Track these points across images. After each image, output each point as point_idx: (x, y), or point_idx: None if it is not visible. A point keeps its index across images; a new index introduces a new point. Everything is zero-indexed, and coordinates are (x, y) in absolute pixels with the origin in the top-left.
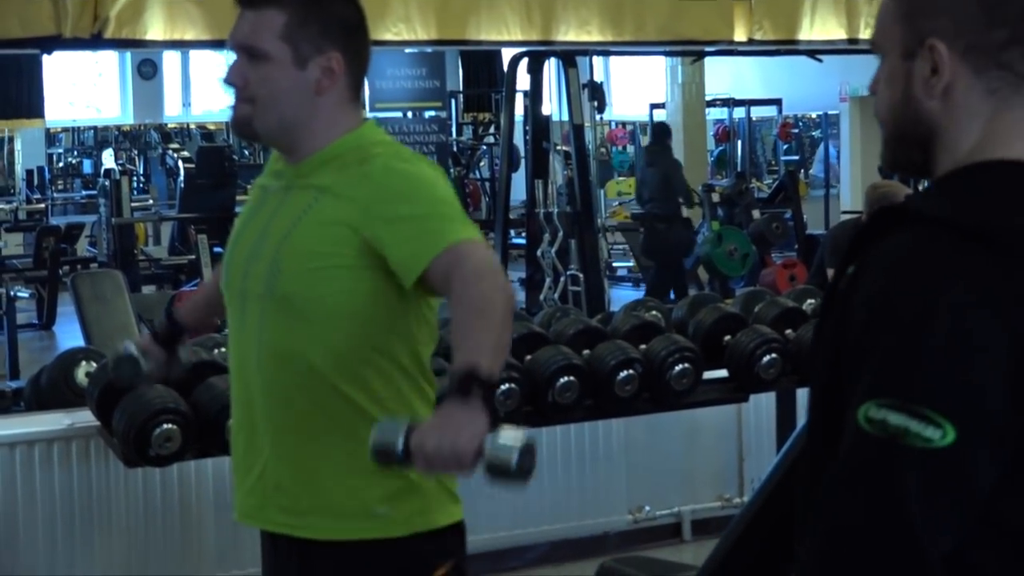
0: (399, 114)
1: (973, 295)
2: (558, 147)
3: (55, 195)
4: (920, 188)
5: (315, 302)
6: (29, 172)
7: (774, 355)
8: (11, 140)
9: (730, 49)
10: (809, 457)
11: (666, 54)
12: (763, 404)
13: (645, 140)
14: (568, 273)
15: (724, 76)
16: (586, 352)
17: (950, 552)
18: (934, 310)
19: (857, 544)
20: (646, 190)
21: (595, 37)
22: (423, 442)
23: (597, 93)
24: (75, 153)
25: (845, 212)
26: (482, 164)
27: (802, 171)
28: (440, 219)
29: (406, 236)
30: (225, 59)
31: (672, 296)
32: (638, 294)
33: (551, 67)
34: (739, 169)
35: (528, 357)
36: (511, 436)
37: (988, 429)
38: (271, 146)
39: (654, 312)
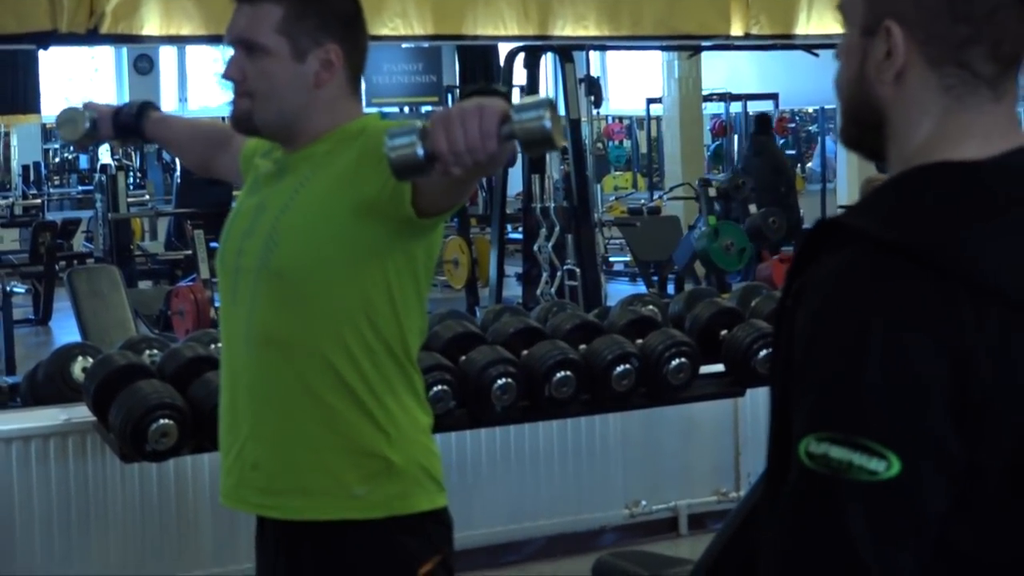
0: (395, 109)
1: (910, 320)
2: None
3: (51, 190)
4: None
5: (309, 274)
6: (25, 167)
7: (771, 349)
8: (7, 135)
9: (727, 44)
10: (767, 473)
11: (663, 48)
12: (760, 399)
13: (641, 134)
14: (565, 268)
15: (721, 71)
16: (583, 347)
17: None
18: (870, 337)
19: None
20: (750, 179)
21: (592, 32)
22: (447, 112)
23: (594, 88)
24: (71, 148)
25: (842, 207)
26: None
27: (799, 166)
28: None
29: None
30: (222, 54)
31: None
32: (635, 289)
33: (548, 62)
34: (735, 163)
35: (525, 352)
36: (533, 99)
37: (934, 456)
38: (271, 139)
39: (651, 307)
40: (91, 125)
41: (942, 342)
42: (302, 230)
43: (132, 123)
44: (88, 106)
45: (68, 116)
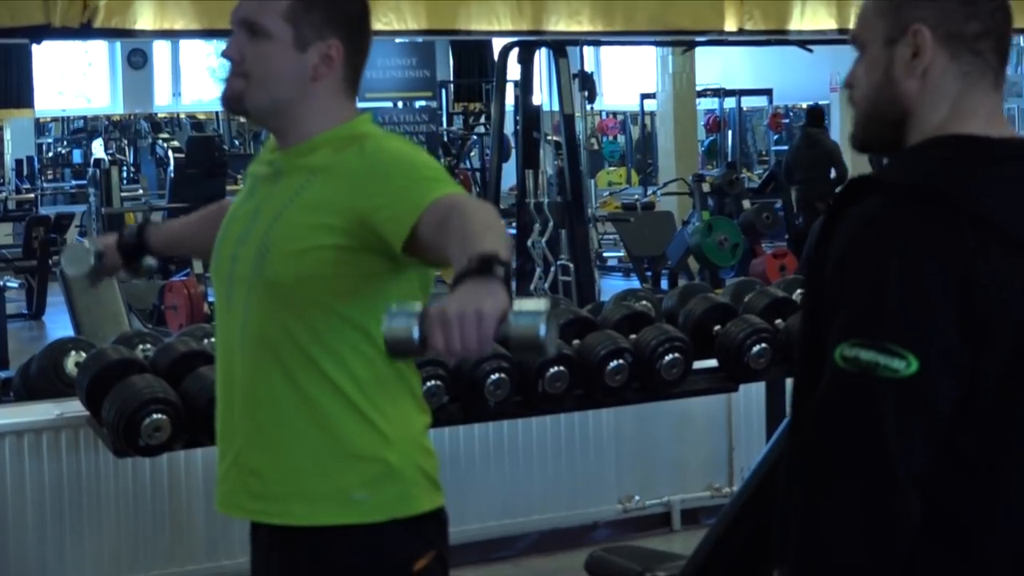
0: (389, 104)
1: (924, 248)
2: (548, 137)
3: (44, 185)
4: None
5: (302, 283)
6: (19, 162)
7: (764, 345)
8: (0, 130)
9: (721, 39)
10: (796, 413)
11: (657, 44)
12: (753, 394)
13: (635, 129)
14: (558, 263)
15: (715, 66)
16: (576, 342)
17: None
18: (892, 261)
19: (838, 463)
20: (799, 171)
21: (586, 27)
22: (444, 310)
23: (588, 83)
24: (65, 143)
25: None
26: (472, 154)
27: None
28: (425, 181)
29: (395, 196)
30: (215, 49)
31: None
32: (628, 284)
33: (542, 57)
34: (729, 159)
35: None
36: (533, 304)
37: (944, 359)
38: (260, 125)
39: (644, 302)
40: (97, 259)
41: (951, 265)
42: (294, 241)
43: (136, 242)
44: (92, 240)
45: (72, 255)
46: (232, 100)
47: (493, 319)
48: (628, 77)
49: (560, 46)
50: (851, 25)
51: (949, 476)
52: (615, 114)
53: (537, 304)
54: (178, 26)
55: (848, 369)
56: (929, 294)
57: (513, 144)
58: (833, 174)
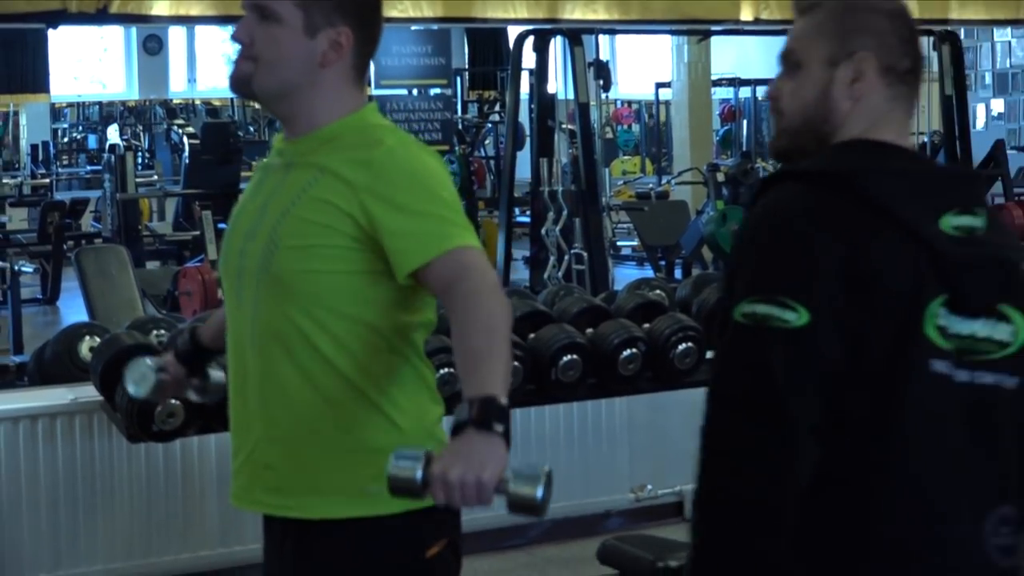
0: (404, 92)
1: (822, 224)
2: (563, 126)
3: (60, 170)
4: None
5: (309, 278)
6: (34, 147)
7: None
8: (16, 115)
9: (736, 28)
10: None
11: (672, 33)
12: None
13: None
14: (572, 252)
15: (730, 55)
16: (589, 331)
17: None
18: (791, 232)
19: (735, 408)
20: None
21: (601, 16)
22: (446, 474)
23: (603, 72)
24: (80, 128)
25: None
26: (487, 142)
27: None
28: (443, 221)
29: (407, 229)
30: (230, 34)
31: None
32: (642, 273)
33: (557, 45)
34: (744, 149)
35: (532, 335)
36: (533, 469)
37: (831, 314)
38: (268, 110)
39: (658, 291)
40: (159, 373)
41: (844, 240)
42: (302, 237)
43: (191, 347)
44: (152, 359)
45: (135, 374)
46: (240, 82)
47: (492, 485)
48: (643, 66)
49: (575, 34)
50: None
51: (838, 440)
52: (630, 103)
53: (535, 469)
54: (194, 12)
55: (746, 323)
56: (820, 259)
57: (528, 132)
58: None
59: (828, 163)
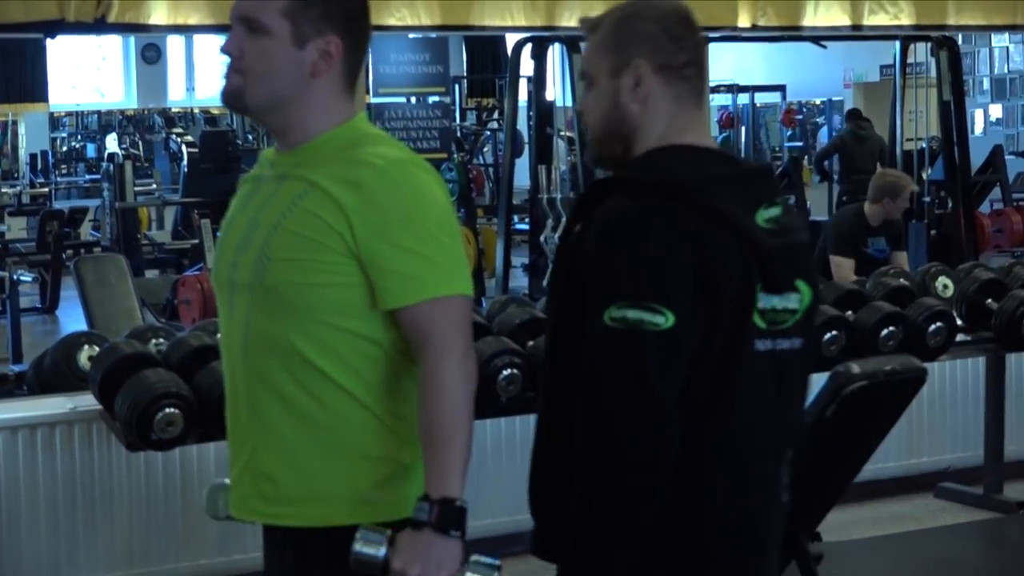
0: (402, 99)
1: (668, 227)
2: (562, 133)
3: (59, 179)
4: (924, 177)
5: (302, 291)
6: (33, 156)
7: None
8: (15, 124)
9: (734, 35)
10: (551, 375)
11: None
12: None
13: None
14: None
15: (728, 62)
16: None
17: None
18: (644, 239)
19: (617, 409)
20: (856, 162)
21: None
22: (406, 572)
23: None
24: (79, 137)
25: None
26: (486, 150)
27: (806, 157)
28: (428, 264)
29: (391, 267)
30: (220, 48)
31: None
32: None
33: (555, 53)
34: (743, 155)
35: (530, 343)
36: (488, 564)
37: (690, 311)
38: (261, 123)
39: None
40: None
41: (689, 241)
42: (294, 251)
43: None
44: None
45: (212, 496)
46: (232, 96)
47: None
48: None
49: (573, 42)
50: (864, 21)
51: (685, 417)
52: None
53: (490, 565)
54: (192, 21)
55: (618, 327)
56: (677, 263)
57: (526, 140)
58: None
59: (657, 174)
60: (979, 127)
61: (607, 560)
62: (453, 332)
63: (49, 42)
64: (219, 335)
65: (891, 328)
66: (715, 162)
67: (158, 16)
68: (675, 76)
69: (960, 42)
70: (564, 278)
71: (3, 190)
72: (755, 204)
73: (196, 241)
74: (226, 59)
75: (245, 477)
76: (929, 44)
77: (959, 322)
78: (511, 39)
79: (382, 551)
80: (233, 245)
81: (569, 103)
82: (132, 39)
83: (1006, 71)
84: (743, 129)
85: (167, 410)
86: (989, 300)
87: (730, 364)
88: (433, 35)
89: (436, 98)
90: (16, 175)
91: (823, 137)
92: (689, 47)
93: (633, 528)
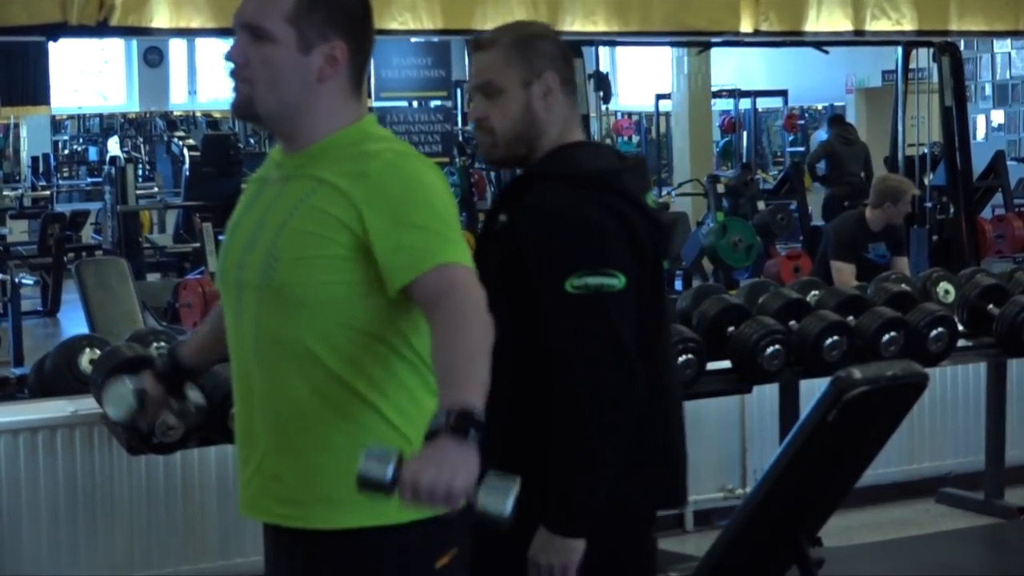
0: (404, 103)
1: (603, 209)
2: None
3: (60, 182)
4: (926, 182)
5: (311, 290)
6: (34, 159)
7: (777, 346)
8: (17, 127)
9: (736, 40)
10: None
11: (672, 45)
12: (766, 395)
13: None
14: None
15: (730, 67)
16: None
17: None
18: (587, 218)
19: (590, 357)
20: (848, 165)
21: (601, 28)
22: (417, 477)
23: (603, 84)
24: (80, 140)
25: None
26: None
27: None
28: (435, 236)
29: (399, 243)
30: (225, 55)
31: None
32: None
33: None
34: (744, 160)
35: None
36: (504, 484)
37: (632, 276)
38: (271, 130)
39: None
40: (139, 396)
41: (622, 220)
42: (302, 249)
43: (171, 368)
44: (131, 379)
45: (114, 395)
46: (241, 107)
47: (460, 494)
48: (643, 78)
49: (575, 46)
50: (867, 27)
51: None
52: (630, 114)
53: (507, 483)
54: (194, 24)
55: (581, 293)
56: (615, 236)
57: None
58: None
59: (575, 167)
60: (981, 133)
61: (600, 485)
62: (466, 289)
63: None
64: (227, 339)
65: (892, 333)
66: (607, 154)
67: (160, 19)
68: (570, 87)
69: (962, 48)
70: (499, 261)
71: (5, 193)
72: (645, 189)
73: (198, 245)
74: (229, 68)
75: (256, 480)
76: (931, 50)
77: (960, 328)
78: None
79: (389, 471)
80: (240, 246)
81: None
82: (134, 42)
83: (1008, 77)
84: (745, 134)
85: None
86: (990, 306)
87: (658, 317)
88: (435, 39)
89: (438, 102)
90: (18, 178)
91: (819, 138)
92: (572, 66)
93: (619, 458)
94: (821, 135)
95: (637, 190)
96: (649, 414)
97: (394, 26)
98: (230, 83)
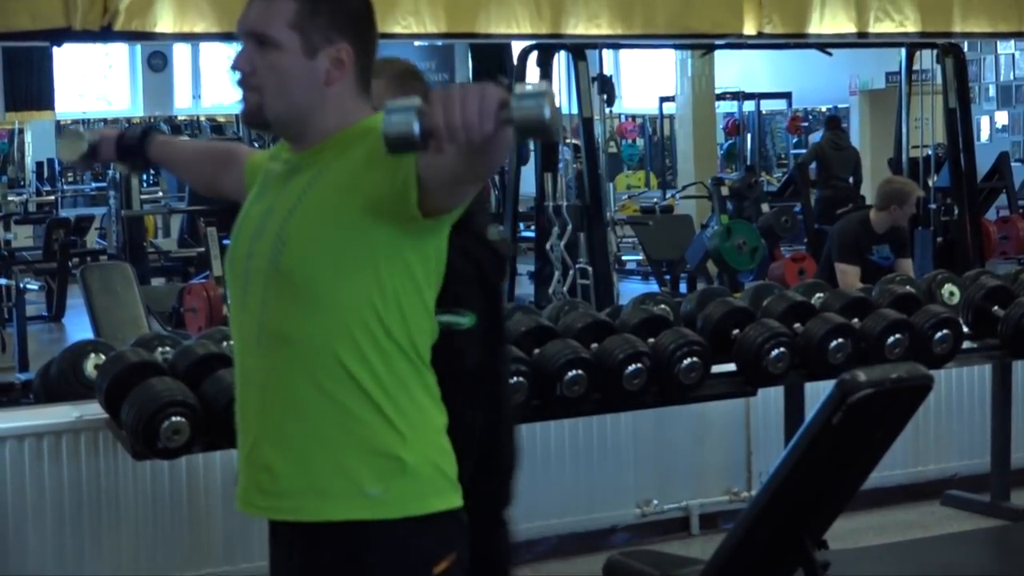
0: None
1: (457, 251)
2: (567, 140)
3: (65, 187)
4: (930, 184)
5: (318, 276)
6: (39, 164)
7: (782, 349)
8: (21, 132)
9: (740, 42)
10: None
11: (676, 47)
12: (771, 398)
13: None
14: (577, 266)
15: (734, 69)
16: (594, 346)
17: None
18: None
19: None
20: (834, 170)
21: (605, 30)
22: (447, 92)
23: (607, 86)
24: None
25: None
26: None
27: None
28: None
29: (407, 159)
30: (235, 51)
31: None
32: (647, 288)
33: (560, 60)
34: (748, 162)
35: (536, 351)
36: (533, 87)
37: (481, 310)
38: (282, 135)
39: (662, 306)
40: (89, 147)
41: (470, 258)
42: (310, 230)
43: (136, 145)
44: (91, 131)
45: (69, 138)
46: (252, 115)
47: (495, 96)
48: (647, 80)
49: (579, 49)
50: (870, 28)
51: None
52: (634, 117)
53: (537, 87)
54: (198, 29)
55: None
56: (468, 276)
57: (532, 147)
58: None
59: None
60: (985, 134)
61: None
62: None
63: (56, 50)
64: (230, 329)
65: (897, 335)
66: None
67: (164, 24)
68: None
69: (966, 49)
70: None
71: (9, 198)
72: (490, 223)
73: (202, 249)
74: (237, 77)
75: (246, 468)
76: (935, 51)
77: (965, 329)
78: (517, 47)
79: (415, 120)
80: (248, 235)
81: (575, 111)
82: (138, 47)
83: (1012, 78)
84: (748, 136)
85: (173, 419)
86: (995, 307)
87: (497, 335)
88: (439, 43)
89: None
90: (22, 183)
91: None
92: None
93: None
94: (816, 138)
95: (485, 226)
96: (484, 426)
97: (397, 30)
98: (238, 92)
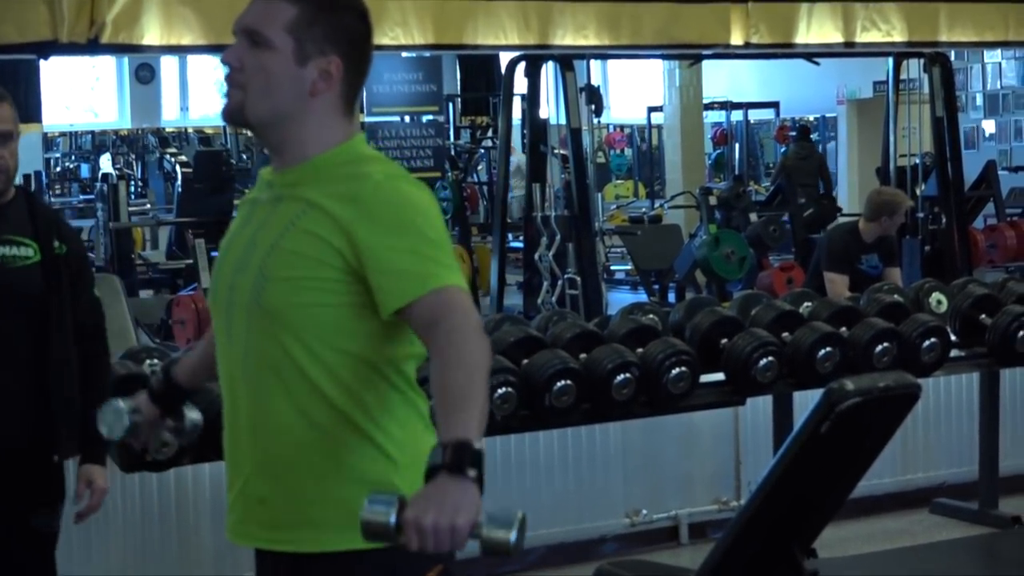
0: (396, 118)
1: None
2: (556, 151)
3: (52, 199)
4: (918, 193)
5: (300, 312)
6: (27, 177)
7: (771, 358)
8: None
9: (727, 52)
10: None
11: (663, 57)
12: (760, 407)
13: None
14: (565, 277)
15: (721, 79)
16: (583, 356)
17: None
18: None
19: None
20: (798, 176)
21: (592, 41)
22: (420, 520)
23: (594, 97)
24: (72, 158)
25: (843, 214)
26: (480, 168)
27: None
28: (429, 260)
29: (392, 267)
30: (222, 64)
31: None
32: (635, 297)
33: (548, 71)
34: (736, 172)
35: (525, 361)
36: (507, 513)
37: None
38: (259, 138)
39: (651, 316)
40: (131, 414)
41: None
42: (290, 271)
43: (165, 387)
44: (125, 401)
45: (109, 416)
46: (233, 112)
47: (466, 532)
48: (635, 90)
49: (567, 60)
50: (857, 38)
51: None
52: (622, 127)
53: (508, 514)
54: (185, 41)
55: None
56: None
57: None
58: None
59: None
60: (972, 142)
61: None
62: (463, 311)
63: (42, 63)
64: (217, 361)
65: (885, 344)
66: None
67: (151, 36)
68: None
69: (953, 58)
70: None
71: None
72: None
73: (190, 261)
74: (224, 72)
75: (240, 501)
76: (922, 60)
77: (953, 338)
78: (505, 57)
79: (392, 517)
80: (231, 267)
81: (563, 121)
82: (126, 59)
83: (999, 87)
84: (737, 146)
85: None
86: (983, 316)
87: None
88: (427, 54)
89: (430, 117)
90: None
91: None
92: None
93: None
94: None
95: None
96: None
97: (385, 41)
98: (223, 88)
